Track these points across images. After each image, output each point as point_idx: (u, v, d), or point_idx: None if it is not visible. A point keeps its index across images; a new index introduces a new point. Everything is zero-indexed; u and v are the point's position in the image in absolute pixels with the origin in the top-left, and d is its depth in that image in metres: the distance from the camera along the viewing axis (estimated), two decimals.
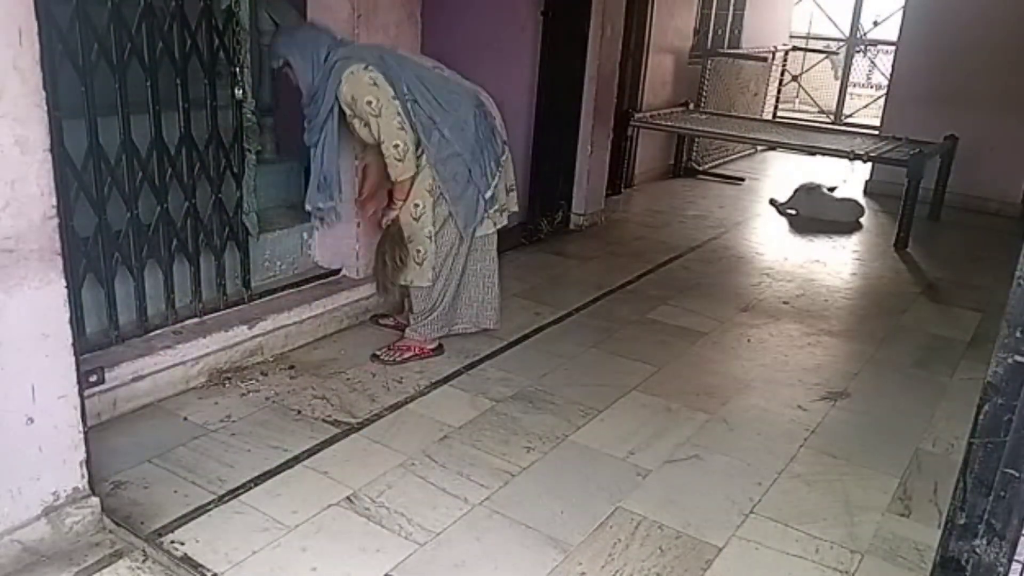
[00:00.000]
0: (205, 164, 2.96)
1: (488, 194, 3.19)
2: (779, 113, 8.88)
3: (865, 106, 10.13)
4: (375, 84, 2.93)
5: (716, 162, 7.54)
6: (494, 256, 3.38)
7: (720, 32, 7.54)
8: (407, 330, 3.34)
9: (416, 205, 3.10)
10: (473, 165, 3.13)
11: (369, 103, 2.92)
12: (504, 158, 3.26)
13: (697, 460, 2.74)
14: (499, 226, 3.33)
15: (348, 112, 3.00)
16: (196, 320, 3.03)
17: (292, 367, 3.17)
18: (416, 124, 3.00)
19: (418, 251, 3.14)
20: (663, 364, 3.43)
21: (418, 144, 3.02)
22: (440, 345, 3.35)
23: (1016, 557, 1.19)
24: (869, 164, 6.25)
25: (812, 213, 5.92)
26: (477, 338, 3.49)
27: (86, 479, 2.15)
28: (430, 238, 3.13)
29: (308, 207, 3.17)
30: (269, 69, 3.45)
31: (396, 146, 2.95)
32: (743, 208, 6.27)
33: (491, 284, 3.40)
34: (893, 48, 7.03)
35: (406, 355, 3.27)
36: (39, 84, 1.85)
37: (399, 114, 2.95)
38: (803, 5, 10.47)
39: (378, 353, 3.27)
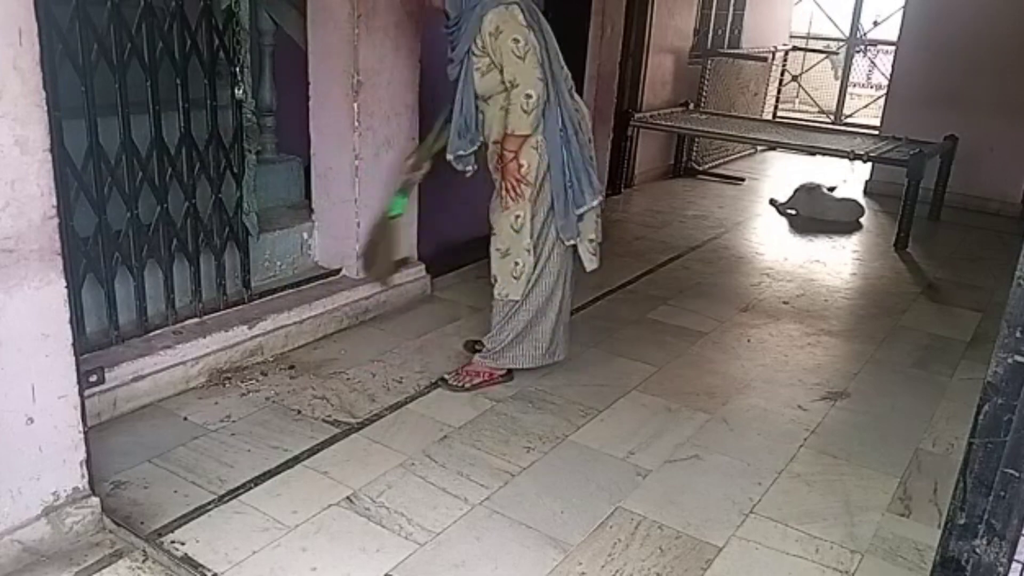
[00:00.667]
0: (205, 164, 2.96)
1: (580, 211, 2.93)
2: (779, 113, 8.88)
3: (865, 106, 10.13)
4: (527, 26, 2.72)
5: (716, 162, 7.54)
6: (570, 287, 3.15)
7: (720, 32, 7.54)
8: (478, 355, 3.15)
9: (517, 216, 2.90)
10: (579, 174, 2.90)
11: (516, 41, 2.69)
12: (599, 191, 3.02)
13: (697, 460, 2.74)
14: (589, 267, 3.08)
15: (479, 52, 2.77)
16: (196, 320, 3.04)
17: (292, 367, 3.17)
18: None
19: (516, 264, 2.94)
20: (663, 364, 3.42)
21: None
22: (510, 371, 3.14)
23: (1016, 557, 1.19)
24: (869, 164, 6.24)
25: (812, 213, 5.91)
26: (476, 338, 3.49)
27: (86, 479, 2.15)
28: (529, 251, 2.92)
29: (450, 156, 2.95)
30: (269, 61, 3.43)
31: (529, 96, 2.72)
32: (743, 208, 6.27)
33: (566, 318, 3.17)
34: (893, 48, 7.03)
35: (475, 381, 3.09)
36: (39, 84, 1.85)
37: (540, 66, 2.73)
38: (803, 5, 10.47)
39: (446, 377, 3.10)
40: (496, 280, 3.01)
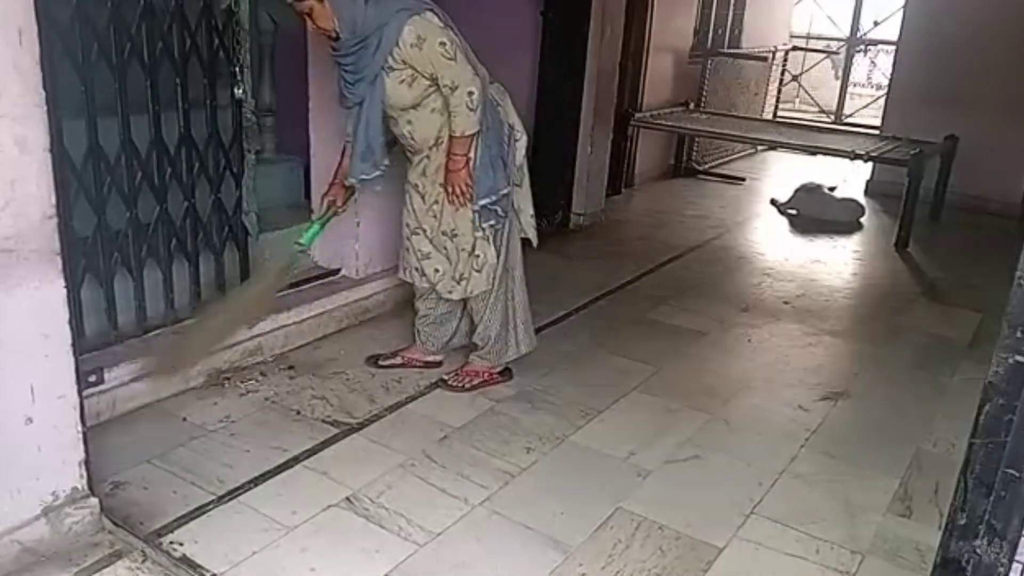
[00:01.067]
0: (205, 164, 2.96)
1: (484, 202, 2.86)
2: (779, 113, 8.87)
3: (865, 106, 10.12)
4: (447, 27, 2.67)
5: (716, 162, 7.54)
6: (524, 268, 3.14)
7: (720, 32, 7.53)
8: (474, 355, 3.12)
9: (475, 211, 2.85)
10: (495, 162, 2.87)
11: (443, 44, 2.63)
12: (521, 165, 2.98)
13: (697, 460, 2.74)
14: (534, 243, 3.10)
15: (398, 65, 2.67)
16: (196, 320, 3.03)
17: (292, 367, 3.16)
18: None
19: (477, 257, 2.90)
20: (663, 364, 3.42)
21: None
22: (508, 368, 3.15)
23: (1016, 557, 1.19)
24: (869, 164, 6.24)
25: (812, 213, 5.91)
26: None
27: (85, 479, 2.14)
28: (488, 240, 2.90)
29: (352, 180, 2.89)
30: (269, 61, 3.40)
31: (471, 93, 2.66)
32: (743, 208, 6.26)
33: (526, 299, 3.16)
34: (893, 48, 7.02)
35: (475, 381, 3.08)
36: (39, 84, 1.85)
37: (470, 62, 2.69)
38: (803, 5, 10.46)
39: (445, 378, 3.09)
40: (460, 282, 2.94)
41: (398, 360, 3.22)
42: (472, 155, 2.80)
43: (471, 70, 2.69)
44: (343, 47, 2.69)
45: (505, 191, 2.90)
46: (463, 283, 2.95)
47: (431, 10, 2.68)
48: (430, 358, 3.21)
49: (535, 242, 3.09)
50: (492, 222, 2.89)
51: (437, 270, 2.97)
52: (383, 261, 3.69)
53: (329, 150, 3.51)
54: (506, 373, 3.15)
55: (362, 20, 2.63)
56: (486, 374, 3.11)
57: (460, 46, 2.69)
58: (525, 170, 3.01)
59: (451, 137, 2.76)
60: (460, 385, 3.07)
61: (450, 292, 2.98)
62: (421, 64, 2.67)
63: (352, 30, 2.64)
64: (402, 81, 2.71)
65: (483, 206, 2.85)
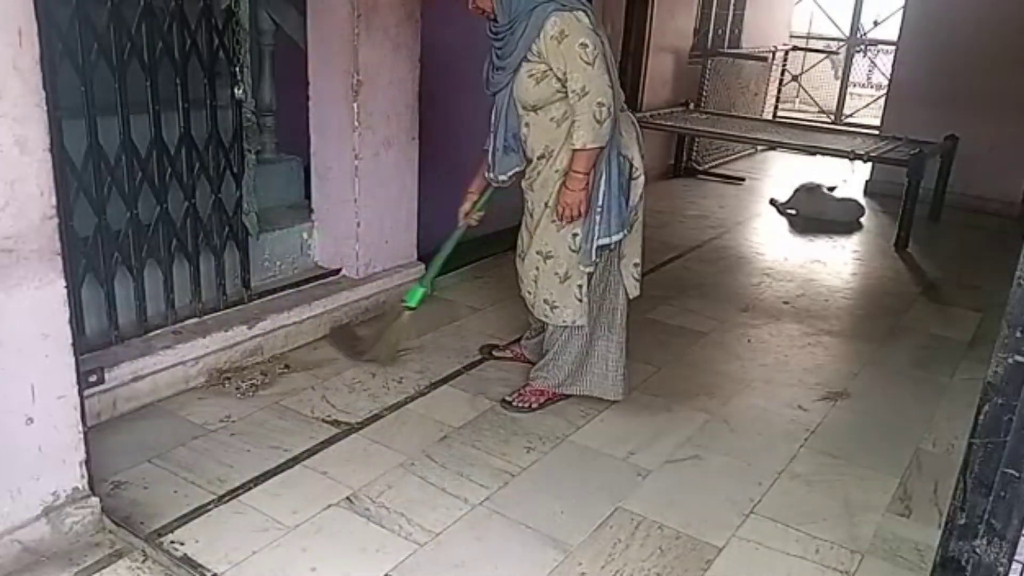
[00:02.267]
0: (205, 164, 2.96)
1: (600, 243, 2.71)
2: (779, 113, 8.88)
3: (865, 106, 10.13)
4: (594, 31, 2.54)
5: (716, 162, 7.54)
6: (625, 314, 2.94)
7: (720, 32, 7.53)
8: (540, 376, 2.96)
9: (575, 234, 2.71)
10: (613, 201, 2.69)
11: (584, 45, 2.50)
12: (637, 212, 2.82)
13: (697, 460, 2.74)
14: (631, 294, 2.91)
15: (534, 57, 2.57)
16: (196, 320, 3.03)
17: (292, 367, 3.16)
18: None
19: (579, 286, 2.76)
20: (663, 364, 3.42)
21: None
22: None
23: (1016, 557, 1.19)
24: (869, 164, 6.24)
25: (812, 213, 5.91)
26: (476, 338, 3.49)
27: (86, 479, 2.15)
28: (584, 277, 2.76)
29: (501, 178, 2.77)
30: (269, 61, 3.39)
31: (601, 104, 2.51)
32: (743, 208, 6.26)
33: (623, 348, 2.95)
34: (893, 48, 7.02)
35: (541, 400, 2.95)
36: (39, 84, 1.85)
37: (609, 72, 2.57)
38: (803, 5, 10.47)
39: (509, 399, 2.96)
40: (553, 307, 2.79)
41: (508, 354, 3.29)
42: (594, 177, 2.63)
43: (607, 79, 2.55)
44: (499, 28, 2.65)
45: (620, 236, 2.73)
46: (556, 310, 2.81)
47: (584, 10, 2.56)
48: (535, 358, 3.11)
49: (633, 294, 2.91)
50: (594, 264, 2.74)
51: (530, 292, 2.87)
52: (383, 261, 3.69)
53: (329, 150, 3.52)
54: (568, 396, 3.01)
55: (516, 3, 2.58)
56: (551, 394, 2.98)
57: (603, 53, 2.56)
58: (640, 214, 2.84)
59: (572, 151, 2.60)
60: (527, 406, 2.94)
61: (545, 316, 2.85)
62: (556, 60, 2.54)
63: (508, 12, 2.60)
64: (531, 75, 2.60)
65: (600, 246, 2.70)
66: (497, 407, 2.97)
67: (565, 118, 2.64)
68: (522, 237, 2.90)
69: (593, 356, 2.93)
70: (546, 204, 2.74)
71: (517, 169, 2.77)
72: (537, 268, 2.81)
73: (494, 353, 3.32)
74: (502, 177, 2.80)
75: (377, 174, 3.55)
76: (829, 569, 2.25)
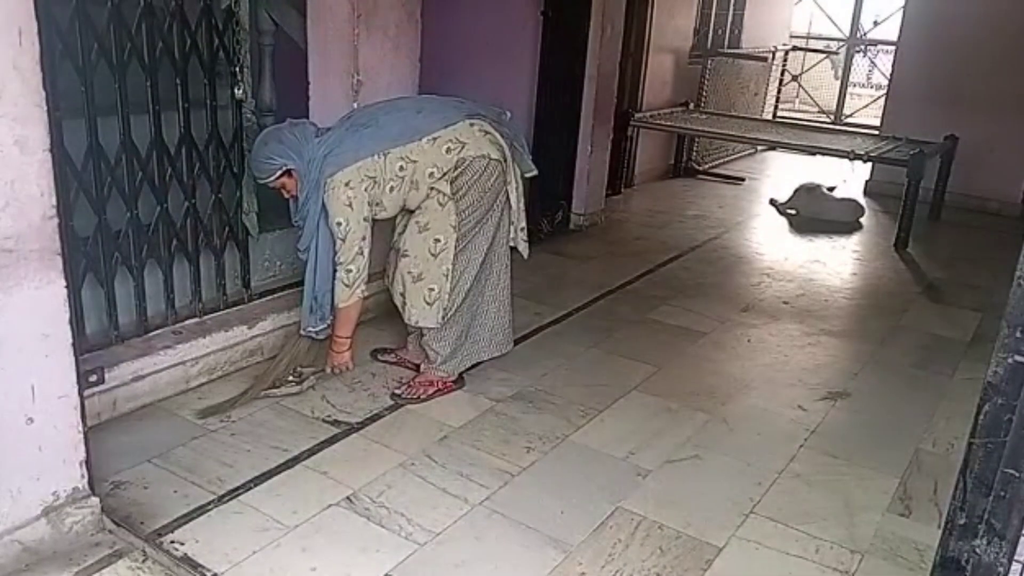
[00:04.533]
0: (205, 164, 2.96)
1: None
2: (779, 113, 8.89)
3: (865, 106, 10.13)
4: (350, 205, 2.73)
5: (716, 162, 7.54)
6: (509, 277, 3.12)
7: (720, 32, 7.54)
8: (425, 366, 3.07)
9: (437, 240, 2.86)
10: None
11: (339, 224, 2.74)
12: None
13: (697, 460, 2.74)
14: (526, 255, 3.14)
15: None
16: (196, 320, 3.03)
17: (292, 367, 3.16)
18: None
19: (430, 289, 2.89)
20: (663, 364, 3.42)
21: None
22: (461, 376, 3.09)
23: (1016, 557, 1.19)
24: (869, 164, 6.25)
25: (812, 213, 5.91)
26: None
27: (86, 479, 2.14)
28: (446, 276, 2.89)
29: (302, 332, 2.94)
30: (269, 61, 3.40)
31: (349, 271, 2.78)
32: (743, 208, 6.27)
33: (506, 308, 3.13)
34: (893, 48, 7.03)
35: (431, 391, 3.01)
36: (39, 84, 1.85)
37: (364, 238, 2.78)
38: (803, 5, 10.47)
39: (398, 392, 3.00)
40: (404, 305, 2.95)
41: (391, 358, 3.27)
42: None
43: (358, 248, 2.78)
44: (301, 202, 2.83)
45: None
46: (403, 308, 2.98)
47: (348, 167, 2.73)
48: (419, 361, 3.17)
49: (525, 256, 3.11)
50: (455, 261, 2.91)
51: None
52: (383, 261, 3.69)
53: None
54: (459, 380, 3.08)
55: (308, 180, 2.76)
56: (439, 383, 3.04)
57: (361, 220, 2.76)
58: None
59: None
60: (416, 396, 2.99)
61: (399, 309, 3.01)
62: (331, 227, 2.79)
63: (305, 188, 2.79)
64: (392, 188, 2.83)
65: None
66: (497, 407, 2.97)
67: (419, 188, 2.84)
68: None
69: (474, 332, 3.07)
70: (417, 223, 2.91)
71: (311, 329, 2.93)
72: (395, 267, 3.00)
73: (379, 356, 3.29)
74: (302, 334, 2.96)
75: None
76: (829, 569, 2.25)
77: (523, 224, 3.07)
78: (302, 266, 2.92)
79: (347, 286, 2.81)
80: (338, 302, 2.85)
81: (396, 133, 2.80)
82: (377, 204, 2.82)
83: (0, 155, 1.81)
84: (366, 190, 2.76)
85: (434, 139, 2.81)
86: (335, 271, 2.82)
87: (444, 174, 2.83)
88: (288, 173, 2.77)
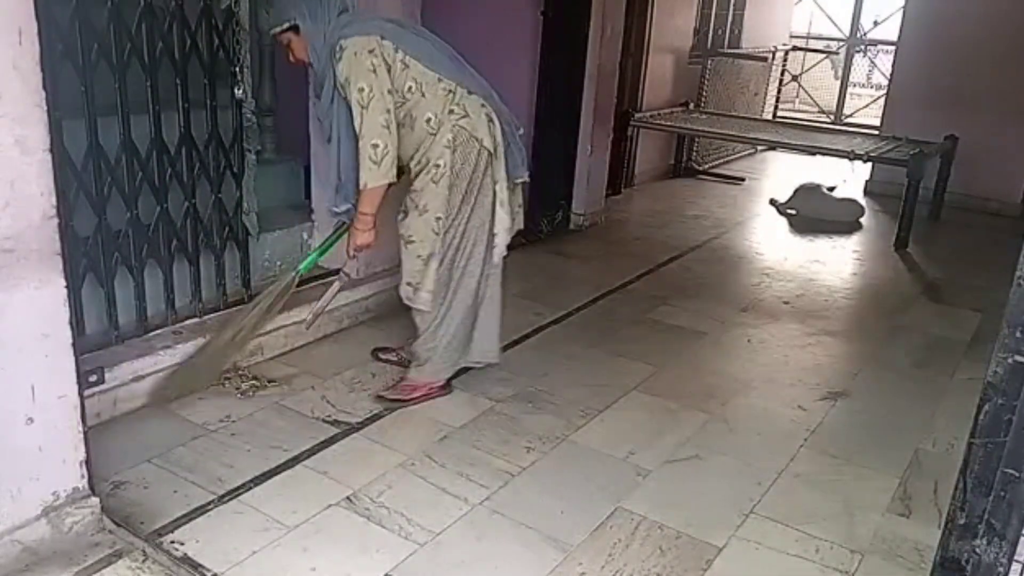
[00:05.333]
0: (205, 164, 2.96)
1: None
2: (779, 113, 8.88)
3: (865, 106, 10.13)
4: (374, 71, 2.55)
5: (716, 162, 7.54)
6: (499, 287, 3.00)
7: (720, 32, 7.54)
8: (413, 367, 3.01)
9: (438, 218, 2.75)
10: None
11: (360, 90, 2.55)
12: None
13: (697, 460, 2.74)
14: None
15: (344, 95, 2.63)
16: (196, 320, 3.03)
17: (292, 367, 3.16)
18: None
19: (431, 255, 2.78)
20: (663, 364, 3.42)
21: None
22: (449, 383, 3.02)
23: (1016, 557, 1.19)
24: (869, 164, 6.25)
25: (812, 213, 5.91)
26: None
27: (86, 479, 2.15)
28: (423, 260, 2.77)
29: (334, 209, 2.84)
30: (269, 61, 3.38)
31: (375, 145, 2.58)
32: (743, 208, 6.27)
33: (495, 316, 3.02)
34: (893, 48, 7.03)
35: (415, 395, 2.95)
36: (39, 84, 1.85)
37: (388, 111, 2.59)
38: (803, 5, 10.47)
39: (383, 394, 2.96)
40: (417, 288, 2.80)
41: (392, 357, 3.24)
42: (444, 161, 2.70)
43: (382, 120, 2.59)
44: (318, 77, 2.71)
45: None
46: (414, 293, 2.83)
47: (370, 34, 2.59)
48: None
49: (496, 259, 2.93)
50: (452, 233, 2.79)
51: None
52: (383, 261, 3.69)
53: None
54: (447, 385, 3.02)
55: (321, 49, 2.64)
56: (425, 388, 2.98)
57: (385, 92, 2.58)
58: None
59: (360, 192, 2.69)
60: (398, 398, 2.95)
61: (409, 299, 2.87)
62: (349, 100, 2.61)
63: (319, 58, 2.66)
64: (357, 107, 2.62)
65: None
66: (497, 407, 2.97)
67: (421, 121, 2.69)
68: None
69: (465, 335, 2.96)
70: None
71: (336, 208, 2.85)
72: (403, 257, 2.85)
73: (379, 355, 3.27)
74: (335, 210, 2.86)
75: None
76: (829, 569, 2.25)
77: (506, 226, 2.86)
78: (306, 150, 2.78)
79: (375, 163, 2.59)
80: (369, 183, 2.63)
81: (424, 52, 2.67)
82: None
83: (0, 155, 1.81)
84: (388, 72, 2.60)
85: (449, 90, 2.69)
86: (358, 150, 2.64)
87: (435, 133, 2.69)
88: (296, 31, 2.63)
